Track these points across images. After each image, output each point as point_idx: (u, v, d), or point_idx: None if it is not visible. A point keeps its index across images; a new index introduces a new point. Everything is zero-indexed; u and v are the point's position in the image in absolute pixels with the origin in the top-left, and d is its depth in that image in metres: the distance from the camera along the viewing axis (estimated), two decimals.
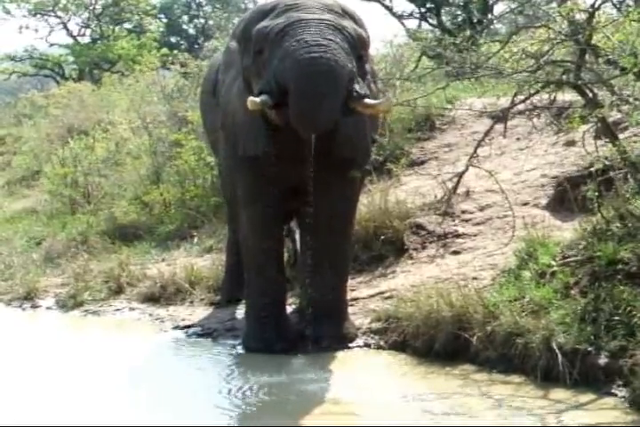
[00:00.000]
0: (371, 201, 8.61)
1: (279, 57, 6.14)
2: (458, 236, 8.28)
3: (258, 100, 6.10)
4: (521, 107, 7.11)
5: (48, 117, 19.56)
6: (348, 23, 6.39)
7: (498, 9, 20.55)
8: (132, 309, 8.95)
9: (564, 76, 6.71)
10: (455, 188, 7.30)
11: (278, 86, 6.10)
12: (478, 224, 8.39)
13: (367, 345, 6.99)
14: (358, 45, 6.38)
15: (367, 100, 6.32)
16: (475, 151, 7.18)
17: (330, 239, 7.01)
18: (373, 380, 6.28)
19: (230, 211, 8.66)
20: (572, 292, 6.24)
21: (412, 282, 7.53)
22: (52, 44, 33.01)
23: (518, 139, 9.98)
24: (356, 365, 6.65)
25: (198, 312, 8.43)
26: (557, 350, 5.73)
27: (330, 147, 6.50)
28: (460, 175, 7.14)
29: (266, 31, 6.33)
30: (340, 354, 6.86)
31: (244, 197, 7.18)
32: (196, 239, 10.39)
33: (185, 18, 40.90)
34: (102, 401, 6.18)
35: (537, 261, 6.73)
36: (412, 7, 20.92)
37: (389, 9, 20.54)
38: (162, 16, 39.02)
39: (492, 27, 19.58)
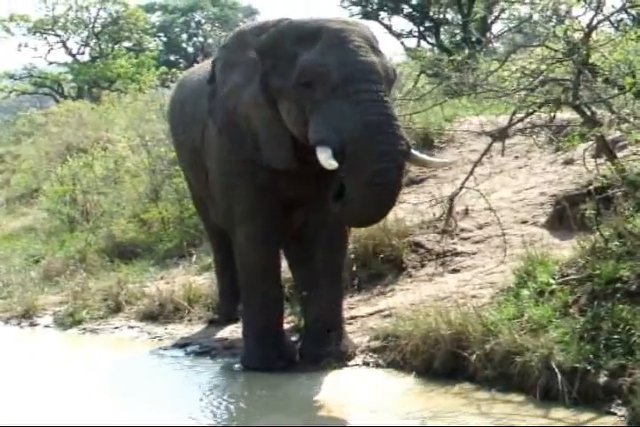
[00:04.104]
0: None
1: (346, 114, 5.97)
2: (457, 254, 8.28)
3: (335, 164, 5.93)
4: (520, 125, 7.13)
5: (47, 135, 19.57)
6: (385, 60, 6.31)
7: (496, 28, 20.67)
8: (130, 327, 8.93)
9: (563, 95, 6.73)
10: (450, 211, 7.32)
11: (342, 146, 5.94)
12: (477, 242, 8.38)
13: (366, 363, 6.97)
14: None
15: (417, 154, 6.44)
16: (471, 172, 7.17)
17: (329, 254, 7.01)
18: (372, 398, 6.25)
19: (211, 231, 8.62)
20: (571, 310, 6.22)
21: (411, 300, 7.52)
22: (51, 63, 33.25)
23: (517, 157, 9.99)
24: (354, 383, 6.63)
25: (197, 330, 8.41)
26: (557, 369, 5.71)
27: None
28: (452, 198, 7.17)
29: (321, 71, 6.11)
30: (339, 372, 6.83)
31: (242, 211, 7.04)
32: (194, 257, 10.36)
33: (184, 36, 41.16)
34: (96, 421, 6.16)
35: (536, 279, 6.72)
36: (410, 26, 21.10)
37: (388, 28, 20.70)
38: (161, 34, 39.30)
39: (490, 46, 19.66)
